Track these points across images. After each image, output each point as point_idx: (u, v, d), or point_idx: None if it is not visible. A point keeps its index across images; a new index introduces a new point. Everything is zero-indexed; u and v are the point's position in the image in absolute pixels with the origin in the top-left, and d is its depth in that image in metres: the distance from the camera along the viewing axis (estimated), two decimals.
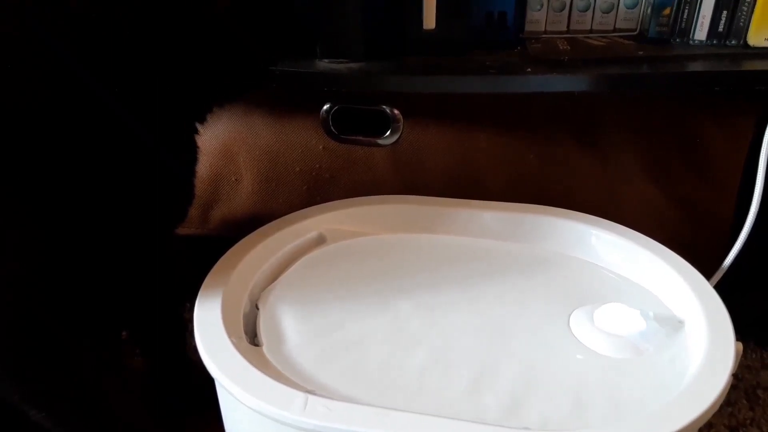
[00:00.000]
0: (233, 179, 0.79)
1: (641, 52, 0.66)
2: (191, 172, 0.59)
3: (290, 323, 0.52)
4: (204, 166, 0.77)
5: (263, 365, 0.47)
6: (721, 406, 0.71)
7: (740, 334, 0.48)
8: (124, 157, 0.50)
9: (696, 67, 0.64)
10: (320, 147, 0.76)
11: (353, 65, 0.65)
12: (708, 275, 0.55)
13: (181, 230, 0.78)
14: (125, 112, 0.49)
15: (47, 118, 0.47)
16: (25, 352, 0.52)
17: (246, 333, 0.51)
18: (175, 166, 0.56)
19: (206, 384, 0.51)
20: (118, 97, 0.49)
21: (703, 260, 0.58)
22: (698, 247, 0.65)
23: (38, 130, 0.46)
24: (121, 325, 0.68)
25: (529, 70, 0.64)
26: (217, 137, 0.77)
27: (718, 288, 0.52)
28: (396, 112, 0.72)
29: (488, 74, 0.64)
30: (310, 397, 0.43)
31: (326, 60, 0.66)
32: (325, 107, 0.73)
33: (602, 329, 0.49)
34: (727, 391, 0.43)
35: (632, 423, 0.41)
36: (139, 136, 0.51)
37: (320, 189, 0.78)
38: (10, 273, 0.49)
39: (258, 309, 0.54)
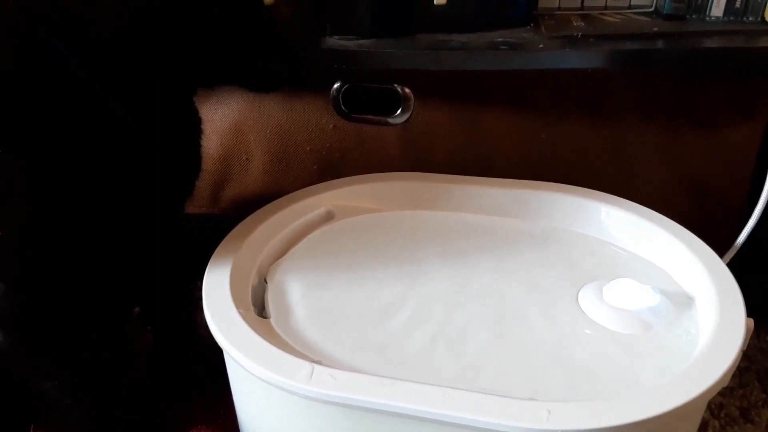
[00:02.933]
0: (244, 158, 0.79)
1: (656, 29, 0.65)
2: (195, 141, 0.59)
3: (298, 296, 0.52)
4: (214, 145, 0.78)
5: (270, 336, 0.47)
6: (733, 388, 0.71)
7: (755, 316, 0.47)
8: (124, 130, 0.50)
9: (712, 43, 0.63)
10: (331, 126, 0.75)
11: (363, 42, 0.65)
12: (721, 256, 0.54)
13: (192, 209, 0.79)
14: (123, 87, 0.49)
15: (45, 97, 0.47)
16: (35, 324, 0.53)
17: (254, 305, 0.51)
18: (177, 135, 0.56)
19: (216, 360, 0.51)
20: (114, 70, 0.48)
21: (716, 241, 0.57)
22: (710, 229, 0.64)
23: (38, 108, 0.47)
24: (133, 302, 0.69)
25: (542, 46, 0.63)
26: (227, 116, 0.77)
27: (733, 269, 0.51)
28: (407, 90, 0.72)
29: (500, 51, 0.63)
30: (316, 366, 0.43)
31: (336, 37, 0.66)
32: (335, 86, 0.72)
33: (611, 304, 0.49)
34: (736, 365, 0.42)
35: (639, 395, 0.41)
36: (139, 107, 0.51)
37: (331, 168, 0.77)
38: (23, 252, 0.50)
39: (266, 282, 0.54)
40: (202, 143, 0.60)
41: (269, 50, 0.53)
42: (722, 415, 0.68)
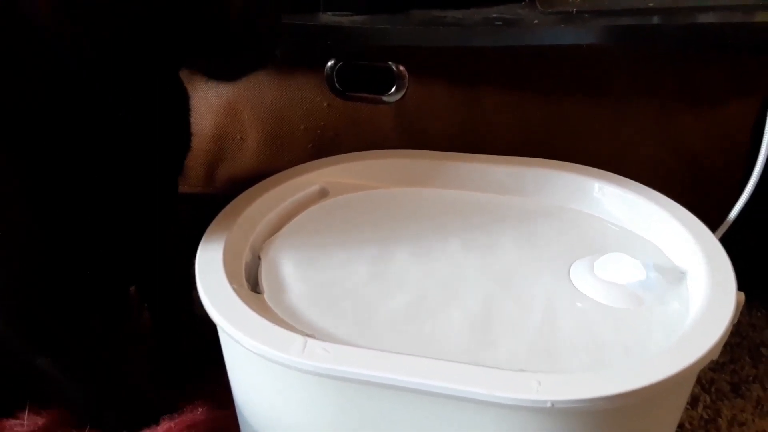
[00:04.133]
0: (238, 137, 0.79)
1: (652, 4, 0.64)
2: (184, 118, 0.59)
3: (291, 272, 0.52)
4: (208, 124, 0.77)
5: (264, 311, 0.47)
6: (724, 364, 0.72)
7: (746, 292, 0.47)
8: (120, 114, 0.50)
9: (708, 18, 0.63)
10: (325, 104, 0.75)
11: (357, 18, 0.65)
12: (715, 231, 0.54)
13: (187, 188, 0.79)
14: (121, 80, 0.49)
15: (44, 90, 0.46)
16: (28, 301, 0.53)
17: (248, 281, 0.51)
18: (165, 112, 0.56)
19: (212, 337, 0.52)
20: (113, 64, 0.47)
21: (711, 218, 0.57)
22: (706, 205, 0.65)
23: (30, 91, 0.46)
24: (128, 281, 0.69)
25: (537, 22, 0.63)
26: (221, 95, 0.76)
27: (726, 244, 0.52)
28: (401, 68, 0.71)
29: (495, 27, 0.63)
30: (309, 340, 0.43)
31: (329, 13, 0.65)
32: (329, 63, 0.72)
33: (602, 279, 0.49)
34: (726, 337, 0.42)
35: (629, 366, 0.41)
36: (135, 93, 0.50)
37: (325, 147, 0.77)
38: (18, 230, 0.50)
39: (260, 259, 0.54)
40: (191, 120, 0.60)
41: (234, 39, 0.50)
42: (713, 389, 0.69)
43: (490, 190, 0.62)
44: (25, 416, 0.61)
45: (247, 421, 0.52)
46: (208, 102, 0.76)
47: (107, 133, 0.49)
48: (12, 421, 0.60)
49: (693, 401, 0.68)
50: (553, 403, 0.38)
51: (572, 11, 0.63)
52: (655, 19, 0.63)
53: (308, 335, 0.44)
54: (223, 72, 0.52)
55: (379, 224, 0.58)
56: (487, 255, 0.54)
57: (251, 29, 0.48)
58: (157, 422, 0.59)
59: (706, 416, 0.66)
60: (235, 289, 0.48)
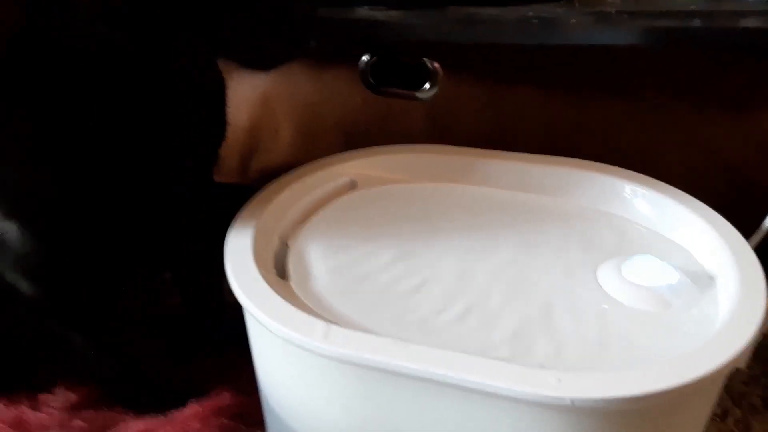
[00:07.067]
0: (272, 130, 0.80)
1: (693, 7, 0.63)
2: (220, 106, 0.60)
3: (318, 260, 0.53)
4: (243, 116, 0.79)
5: (290, 296, 0.48)
6: (757, 377, 0.70)
7: None
8: (154, 96, 0.51)
9: (748, 23, 0.61)
10: (358, 99, 0.76)
11: (393, 13, 0.65)
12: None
13: (222, 179, 0.80)
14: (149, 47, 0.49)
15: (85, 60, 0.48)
16: (61, 277, 0.55)
17: (275, 268, 0.52)
18: (202, 98, 0.57)
19: (239, 323, 0.53)
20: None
21: (747, 226, 0.56)
22: (741, 211, 0.63)
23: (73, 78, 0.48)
24: (163, 267, 0.71)
25: (574, 21, 0.62)
26: (256, 87, 0.78)
27: (762, 253, 0.50)
28: (436, 65, 0.71)
29: (530, 25, 0.63)
30: (332, 326, 0.44)
31: (366, 7, 0.66)
32: (364, 58, 0.73)
33: (630, 281, 0.48)
34: (753, 344, 0.41)
35: (652, 368, 0.40)
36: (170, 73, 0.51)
37: (357, 142, 0.78)
38: (59, 214, 0.52)
39: (288, 247, 0.55)
40: (227, 109, 0.61)
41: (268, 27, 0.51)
42: (744, 403, 0.67)
43: (518, 189, 0.62)
44: (59, 392, 0.63)
45: (270, 406, 0.53)
46: (244, 94, 0.78)
47: (145, 119, 0.51)
48: (47, 396, 0.62)
49: (723, 414, 0.66)
50: (573, 401, 0.38)
51: (611, 11, 0.63)
52: (696, 22, 0.61)
53: (331, 322, 0.45)
54: (258, 60, 0.52)
55: (407, 218, 0.58)
56: (514, 254, 0.53)
57: (286, 16, 0.49)
58: (184, 405, 0.60)
59: (736, 430, 0.65)
60: (262, 275, 0.49)
